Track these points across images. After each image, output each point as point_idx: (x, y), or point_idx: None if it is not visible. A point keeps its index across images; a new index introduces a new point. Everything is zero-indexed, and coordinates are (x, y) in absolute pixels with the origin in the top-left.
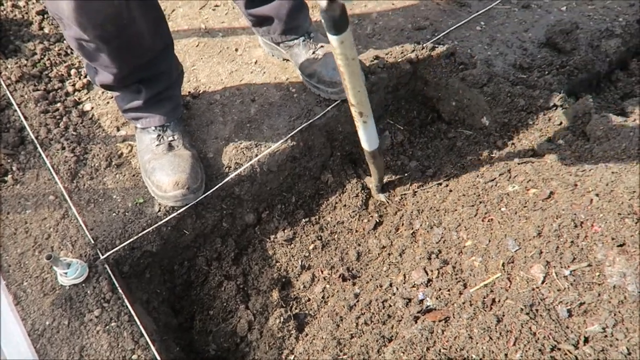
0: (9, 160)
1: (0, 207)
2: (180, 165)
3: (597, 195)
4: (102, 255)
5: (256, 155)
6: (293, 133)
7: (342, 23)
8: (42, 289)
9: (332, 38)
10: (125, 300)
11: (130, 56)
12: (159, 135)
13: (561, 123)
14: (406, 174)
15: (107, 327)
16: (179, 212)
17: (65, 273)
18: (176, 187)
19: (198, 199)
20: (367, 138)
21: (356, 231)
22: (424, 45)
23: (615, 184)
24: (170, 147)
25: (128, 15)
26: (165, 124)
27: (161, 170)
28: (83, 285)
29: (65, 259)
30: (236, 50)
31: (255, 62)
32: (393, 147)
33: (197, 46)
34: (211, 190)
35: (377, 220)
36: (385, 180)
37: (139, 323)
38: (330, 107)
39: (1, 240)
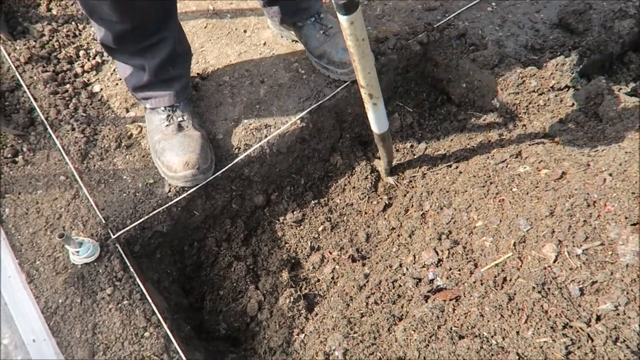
0: (19, 141)
1: (13, 188)
2: (190, 145)
3: (610, 174)
4: (113, 234)
5: (265, 137)
6: (302, 114)
7: (352, 3)
8: (55, 267)
9: (342, 18)
10: (137, 279)
11: (129, 9)
12: (168, 115)
13: (573, 104)
14: (415, 156)
15: (119, 305)
16: (189, 192)
17: (77, 252)
18: (186, 167)
19: (208, 180)
20: (376, 120)
21: (365, 213)
22: (435, 26)
23: (628, 163)
24: (180, 127)
25: None
26: (175, 104)
27: (171, 151)
28: (95, 264)
29: (77, 238)
30: (245, 31)
31: (264, 44)
32: (402, 129)
33: (205, 27)
34: (221, 171)
35: (387, 202)
36: (394, 162)
37: (150, 301)
38: (340, 88)
39: (14, 220)
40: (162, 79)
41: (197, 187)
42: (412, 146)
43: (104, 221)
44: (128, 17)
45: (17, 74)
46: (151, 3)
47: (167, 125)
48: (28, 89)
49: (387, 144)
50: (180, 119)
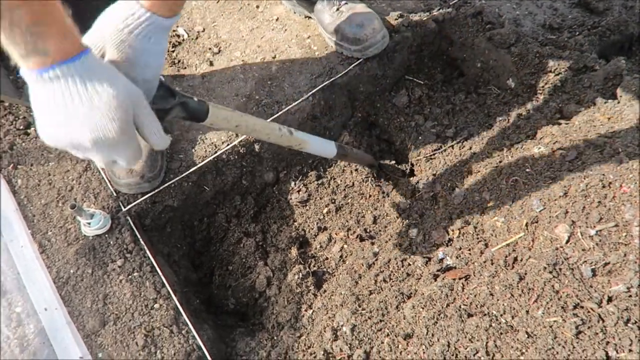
0: (31, 113)
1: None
2: None
3: (627, 155)
4: (124, 207)
5: (277, 113)
6: (314, 91)
7: (200, 113)
8: (66, 238)
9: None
10: (147, 252)
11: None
12: None
13: (591, 85)
14: (420, 137)
15: (130, 276)
16: (198, 166)
17: (89, 223)
18: (130, 175)
19: (154, 188)
20: (319, 152)
21: (370, 196)
22: (451, 3)
23: None
24: None
25: None
26: None
27: None
28: (106, 236)
29: (89, 209)
30: (257, 7)
31: (277, 19)
32: (410, 105)
33: (217, 2)
34: (177, 178)
35: (392, 186)
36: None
37: (160, 274)
38: (353, 65)
39: (26, 191)
40: None
41: (207, 161)
42: (417, 124)
43: (115, 194)
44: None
45: None
46: None
47: None
48: None
49: (351, 158)
50: None
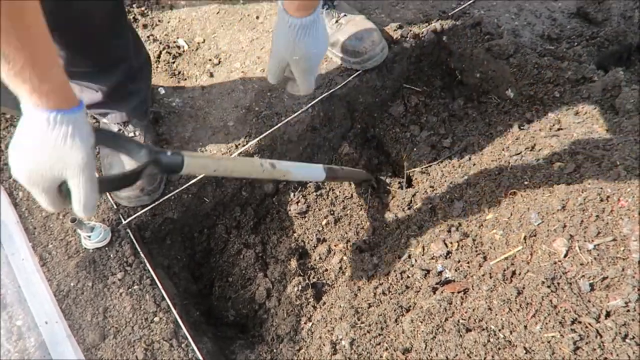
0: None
1: None
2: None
3: (625, 169)
4: (125, 220)
5: (276, 124)
6: (313, 102)
7: (172, 169)
8: (67, 251)
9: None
10: (147, 265)
11: (74, 35)
12: (119, 130)
13: (589, 96)
14: (415, 149)
15: (130, 289)
16: (198, 178)
17: (89, 236)
18: (129, 188)
19: (154, 201)
20: (307, 179)
21: (369, 207)
22: (449, 14)
23: None
24: None
25: None
26: (127, 120)
27: (117, 169)
28: (106, 248)
29: (89, 222)
30: (257, 17)
31: None
32: (406, 115)
33: (217, 13)
34: (177, 190)
35: (391, 197)
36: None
37: (160, 287)
38: (352, 77)
39: (27, 204)
40: (119, 96)
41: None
42: (412, 135)
43: (115, 206)
44: (74, 45)
45: None
46: (102, 20)
47: None
48: None
49: (342, 178)
50: (131, 134)
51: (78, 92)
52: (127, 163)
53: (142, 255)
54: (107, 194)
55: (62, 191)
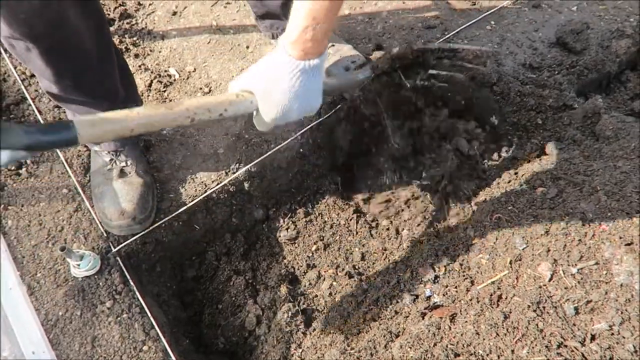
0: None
1: (16, 200)
2: (129, 194)
3: (605, 194)
4: (114, 248)
5: (266, 152)
6: (303, 130)
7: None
8: (56, 280)
9: None
10: (137, 293)
11: (65, 62)
12: (111, 159)
13: (570, 123)
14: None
15: (119, 318)
16: (188, 206)
17: (78, 265)
18: (121, 217)
19: (145, 229)
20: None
21: (357, 233)
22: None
23: (624, 183)
24: (122, 173)
25: (58, 11)
26: (119, 149)
27: (109, 198)
28: (95, 277)
29: (78, 250)
30: (247, 47)
31: None
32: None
33: (208, 43)
34: (167, 218)
35: (376, 223)
36: None
37: (150, 315)
38: (340, 105)
39: (16, 232)
40: None
41: (198, 200)
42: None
43: (105, 234)
44: (63, 69)
45: (22, 87)
46: (92, 47)
47: (108, 170)
48: (33, 102)
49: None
50: (123, 164)
51: (70, 115)
52: (120, 192)
53: (131, 283)
54: (98, 222)
55: None
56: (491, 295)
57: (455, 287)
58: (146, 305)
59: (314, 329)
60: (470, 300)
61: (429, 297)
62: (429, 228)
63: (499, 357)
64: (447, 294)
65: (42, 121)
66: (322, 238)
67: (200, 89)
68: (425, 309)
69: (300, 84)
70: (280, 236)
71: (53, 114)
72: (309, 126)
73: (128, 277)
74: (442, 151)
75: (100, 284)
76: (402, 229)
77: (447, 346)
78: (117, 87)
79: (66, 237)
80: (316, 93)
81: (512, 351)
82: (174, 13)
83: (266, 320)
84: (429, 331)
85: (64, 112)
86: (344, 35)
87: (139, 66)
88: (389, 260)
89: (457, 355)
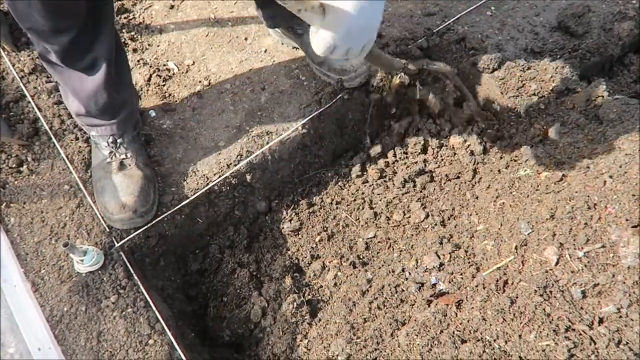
0: (24, 151)
1: (18, 197)
2: (129, 187)
3: (610, 177)
4: (117, 243)
5: (267, 143)
6: (304, 121)
7: None
8: (60, 276)
9: None
10: (141, 287)
11: (61, 13)
12: (111, 152)
13: (573, 107)
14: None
15: (124, 312)
16: (190, 199)
17: (82, 260)
18: (122, 210)
19: (147, 222)
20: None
21: (361, 222)
22: (434, 31)
23: (629, 165)
24: (122, 166)
25: None
26: (119, 141)
27: (109, 192)
28: (99, 272)
29: (82, 246)
30: (246, 39)
31: (265, 51)
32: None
33: (206, 36)
34: (169, 212)
35: (380, 210)
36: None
37: (154, 309)
38: (341, 94)
39: (19, 230)
40: (104, 104)
41: (200, 192)
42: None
43: (108, 230)
44: (57, 18)
45: (21, 84)
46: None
47: (108, 163)
48: (32, 99)
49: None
50: (123, 156)
51: (67, 99)
52: (120, 185)
53: (135, 277)
54: (100, 217)
55: None
56: (497, 280)
57: (461, 274)
58: (151, 299)
59: (320, 320)
60: (476, 286)
61: (434, 285)
62: (434, 213)
63: (506, 342)
64: (452, 281)
65: (41, 118)
66: (325, 229)
67: (200, 82)
68: (430, 296)
69: None
70: (283, 228)
71: (52, 111)
72: (310, 116)
73: (132, 271)
74: None
75: (105, 279)
76: (407, 215)
77: (453, 333)
78: (110, 50)
79: (69, 233)
80: (378, 10)
81: (520, 336)
82: (172, 7)
83: (271, 312)
84: (435, 318)
85: (64, 109)
86: None
87: (138, 61)
88: (393, 249)
89: (464, 341)
